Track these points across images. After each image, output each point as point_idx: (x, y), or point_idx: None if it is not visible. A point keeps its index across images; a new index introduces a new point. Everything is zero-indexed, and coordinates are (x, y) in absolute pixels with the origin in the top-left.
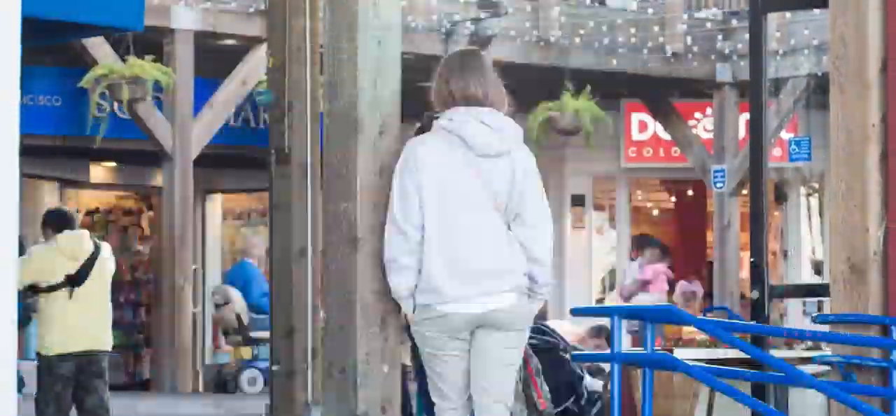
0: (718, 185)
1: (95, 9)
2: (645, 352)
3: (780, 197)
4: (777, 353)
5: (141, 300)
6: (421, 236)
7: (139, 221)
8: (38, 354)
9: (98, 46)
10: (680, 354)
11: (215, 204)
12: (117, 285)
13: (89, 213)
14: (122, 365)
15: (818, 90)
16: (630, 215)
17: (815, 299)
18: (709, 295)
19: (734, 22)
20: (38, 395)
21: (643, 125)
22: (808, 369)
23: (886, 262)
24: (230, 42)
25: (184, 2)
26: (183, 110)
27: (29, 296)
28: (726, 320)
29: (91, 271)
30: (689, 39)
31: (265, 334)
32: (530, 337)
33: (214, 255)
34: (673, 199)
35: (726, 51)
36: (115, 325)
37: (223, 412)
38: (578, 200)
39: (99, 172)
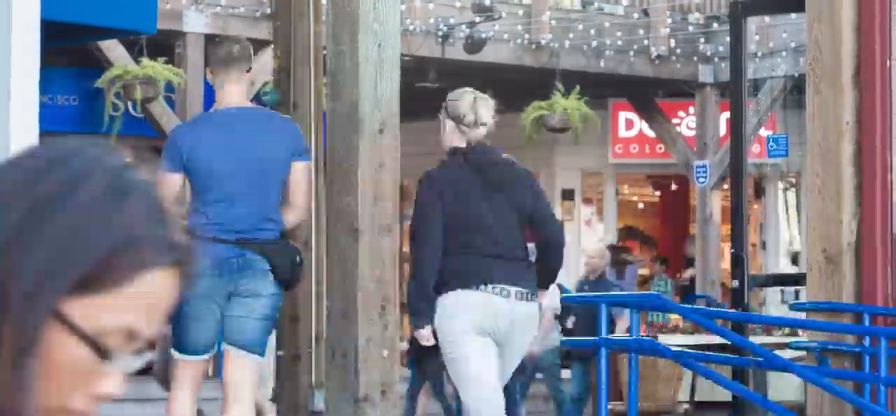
0: (701, 180)
1: (110, 13)
2: (631, 338)
3: (759, 191)
4: (756, 339)
5: None
6: None
7: None
8: None
9: (113, 49)
10: (664, 340)
11: None
12: None
13: None
14: None
15: (795, 90)
16: (617, 208)
17: (793, 288)
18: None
19: (716, 25)
20: None
21: (629, 123)
22: (786, 354)
23: (859, 252)
24: None
25: (194, 6)
26: (193, 109)
27: None
28: (708, 308)
29: None
30: (672, 42)
31: None
32: None
33: None
34: (657, 193)
35: (708, 53)
36: None
37: None
38: (568, 195)
39: None
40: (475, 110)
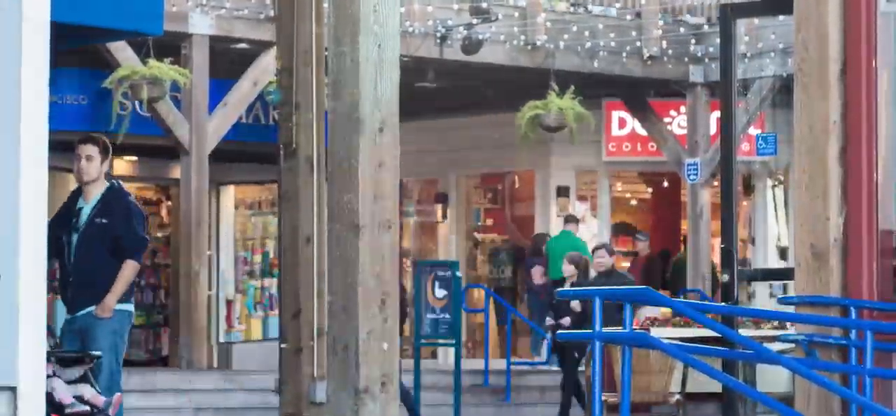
0: (691, 177)
1: (118, 15)
2: (624, 331)
3: (749, 188)
4: (746, 332)
5: (160, 283)
6: None
7: (158, 210)
8: None
9: (120, 50)
10: (656, 333)
11: (228, 195)
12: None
13: None
14: (142, 342)
15: (783, 90)
16: (611, 204)
17: (781, 282)
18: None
19: (706, 27)
20: None
21: (622, 122)
22: (774, 346)
23: (846, 248)
24: (242, 46)
25: (200, 8)
26: (199, 108)
27: None
28: (699, 302)
29: None
30: (664, 43)
31: None
32: None
33: (227, 242)
34: (650, 190)
35: (699, 54)
36: (137, 306)
37: (235, 387)
38: (563, 191)
39: (121, 165)
40: None
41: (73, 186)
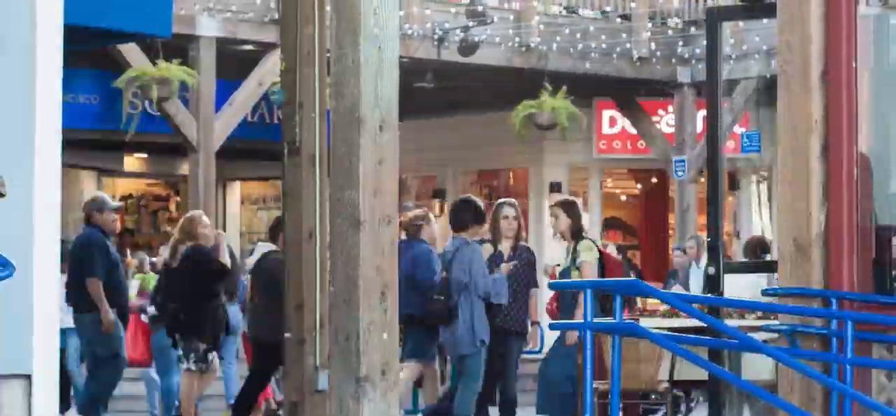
0: (679, 173)
1: (129, 18)
2: (614, 321)
3: (734, 184)
4: (731, 322)
5: None
6: None
7: (167, 205)
8: None
9: (131, 51)
10: (645, 323)
11: (234, 190)
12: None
13: (123, 198)
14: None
15: (767, 90)
16: (601, 200)
17: (765, 275)
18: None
19: (693, 29)
20: None
21: (613, 121)
22: (759, 336)
23: (827, 241)
24: (248, 47)
25: (207, 12)
26: (206, 108)
27: None
28: (686, 293)
29: None
30: (653, 45)
31: None
32: None
33: (234, 235)
34: (639, 186)
35: (686, 55)
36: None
37: (241, 376)
38: (556, 187)
39: (132, 162)
40: None
41: (86, 181)
